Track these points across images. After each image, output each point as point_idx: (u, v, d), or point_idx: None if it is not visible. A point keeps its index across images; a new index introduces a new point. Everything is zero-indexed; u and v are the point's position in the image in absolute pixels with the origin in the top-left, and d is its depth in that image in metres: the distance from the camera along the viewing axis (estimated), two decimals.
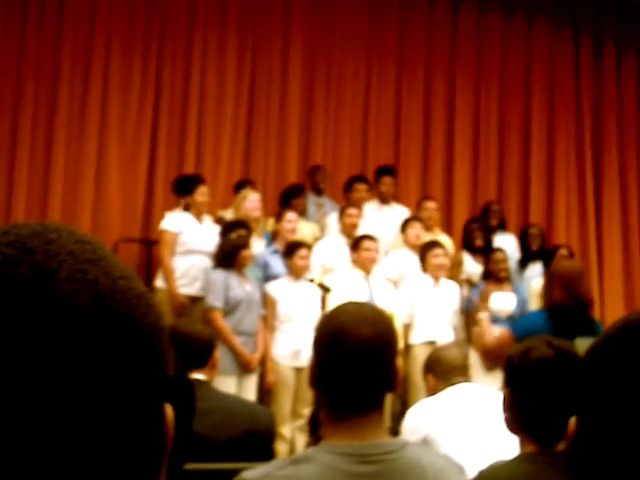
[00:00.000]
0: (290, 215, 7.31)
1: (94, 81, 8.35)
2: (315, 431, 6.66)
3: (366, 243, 6.97)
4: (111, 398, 0.66)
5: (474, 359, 6.70)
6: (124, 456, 0.67)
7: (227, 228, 6.80)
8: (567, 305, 4.47)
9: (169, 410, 0.75)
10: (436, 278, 7.05)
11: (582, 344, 3.55)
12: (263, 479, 1.82)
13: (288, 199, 7.92)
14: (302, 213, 7.86)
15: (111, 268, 0.70)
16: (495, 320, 6.95)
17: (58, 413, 0.63)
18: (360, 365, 1.93)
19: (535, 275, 7.79)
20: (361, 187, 8.24)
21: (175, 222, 7.08)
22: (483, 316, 6.81)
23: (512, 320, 6.88)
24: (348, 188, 8.27)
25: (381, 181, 8.47)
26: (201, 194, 7.22)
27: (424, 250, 7.18)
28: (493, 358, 6.34)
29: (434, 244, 7.24)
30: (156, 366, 0.71)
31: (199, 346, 3.38)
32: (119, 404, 0.66)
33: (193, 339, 3.38)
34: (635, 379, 0.85)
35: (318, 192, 8.49)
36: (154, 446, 0.72)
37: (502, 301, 7.11)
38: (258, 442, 3.17)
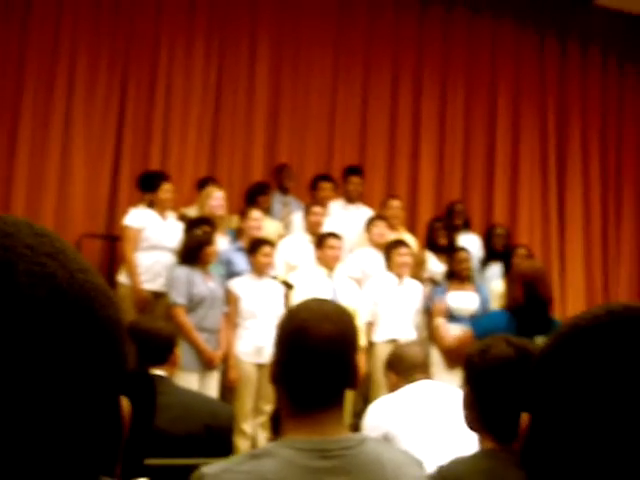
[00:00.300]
0: (255, 213, 7.29)
1: (59, 76, 8.27)
2: (277, 428, 6.67)
3: (330, 241, 6.98)
4: (67, 389, 0.66)
5: (435, 357, 6.75)
6: (78, 445, 0.68)
7: (191, 225, 6.78)
8: (527, 304, 4.50)
9: (125, 402, 0.76)
10: (400, 277, 7.08)
11: (541, 342, 3.58)
12: (223, 474, 1.82)
13: (253, 197, 7.91)
14: (267, 211, 7.85)
15: (69, 261, 0.70)
16: (457, 319, 7.01)
17: (12, 404, 0.63)
18: (321, 362, 1.94)
19: (496, 275, 7.86)
20: (326, 186, 8.27)
21: (138, 218, 7.05)
22: (440, 322, 6.89)
23: (474, 319, 6.94)
24: (313, 186, 8.29)
25: (348, 180, 8.49)
26: (165, 191, 7.20)
27: (389, 249, 7.21)
28: (455, 358, 6.39)
29: (399, 243, 7.26)
30: (113, 358, 0.71)
31: (160, 343, 3.37)
32: (75, 395, 0.66)
33: (154, 336, 3.37)
34: (582, 378, 0.87)
35: (284, 191, 8.50)
36: (109, 436, 0.72)
37: (462, 300, 7.15)
38: (217, 437, 3.17)
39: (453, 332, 6.90)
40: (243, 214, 7.40)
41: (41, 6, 8.24)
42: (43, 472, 0.65)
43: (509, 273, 5.01)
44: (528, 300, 4.50)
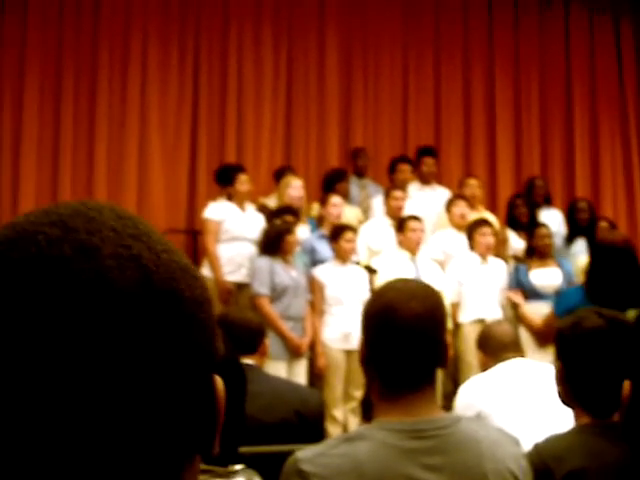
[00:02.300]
0: (335, 199, 7.30)
1: (132, 74, 8.39)
2: (367, 413, 6.68)
3: (412, 224, 6.94)
4: (160, 372, 0.66)
5: (524, 336, 6.66)
6: (177, 428, 0.68)
7: (274, 215, 6.83)
8: (606, 276, 4.39)
9: (219, 382, 0.76)
10: (484, 256, 7.00)
11: (634, 315, 3.50)
12: (318, 458, 1.82)
13: (331, 184, 7.89)
14: (345, 197, 7.83)
15: (154, 242, 0.70)
16: (541, 296, 6.89)
17: (109, 388, 0.64)
18: (410, 341, 1.92)
19: (581, 250, 7.71)
20: (405, 168, 8.21)
21: (217, 211, 7.11)
22: (523, 308, 6.78)
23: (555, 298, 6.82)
24: (392, 169, 8.24)
25: (422, 162, 8.43)
26: (242, 182, 7.24)
27: (471, 229, 7.12)
28: (544, 338, 6.30)
29: (482, 222, 7.17)
30: (203, 338, 0.71)
31: (249, 333, 3.41)
32: (168, 378, 0.67)
33: (243, 326, 3.41)
34: None
35: (360, 175, 8.48)
36: (206, 417, 0.73)
37: (545, 277, 7.05)
38: (309, 423, 3.19)
39: (537, 310, 6.77)
40: (322, 201, 7.41)
41: (110, 12, 8.36)
42: (141, 454, 0.66)
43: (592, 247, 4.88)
44: (608, 270, 4.39)
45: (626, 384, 0.92)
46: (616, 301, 3.92)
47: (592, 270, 4.41)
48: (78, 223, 0.68)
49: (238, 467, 1.87)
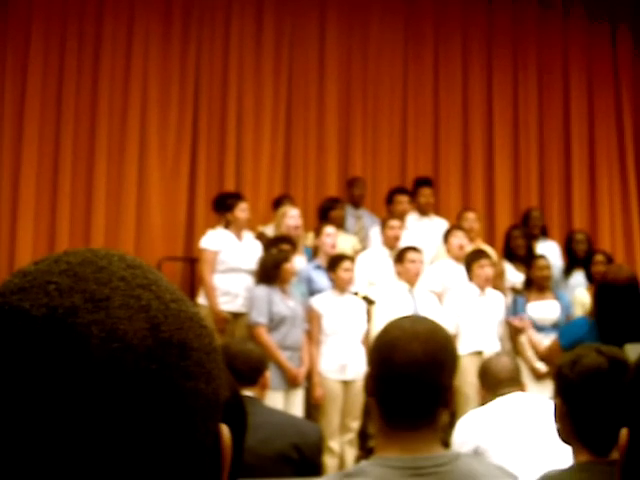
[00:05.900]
0: (329, 229, 7.28)
1: (132, 102, 8.40)
2: (364, 444, 6.64)
3: (411, 255, 6.91)
4: (167, 423, 0.66)
5: (522, 368, 6.64)
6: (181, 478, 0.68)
7: (270, 244, 6.82)
8: (611, 311, 4.39)
9: (225, 431, 0.75)
10: (482, 288, 6.97)
11: (632, 350, 3.50)
12: None
13: (326, 212, 7.90)
14: (340, 226, 7.81)
15: (162, 292, 0.70)
16: (539, 328, 6.87)
17: (116, 440, 0.63)
18: (407, 383, 1.92)
19: (579, 282, 7.69)
20: (403, 199, 8.19)
21: (214, 240, 7.07)
22: (529, 333, 6.68)
23: (557, 327, 6.79)
24: (389, 200, 8.22)
25: (419, 192, 8.42)
26: (241, 210, 7.22)
27: (470, 260, 7.07)
28: (547, 364, 6.26)
29: (480, 253, 7.12)
30: (211, 389, 0.71)
31: (250, 365, 3.40)
32: (174, 429, 0.66)
33: (245, 358, 3.40)
34: None
35: (356, 204, 8.47)
36: (211, 468, 0.72)
37: (543, 310, 7.03)
38: (307, 457, 3.18)
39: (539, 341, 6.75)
40: (317, 231, 7.40)
41: (111, 34, 8.38)
42: None
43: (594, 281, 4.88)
44: (612, 307, 4.39)
45: (623, 432, 0.92)
46: (624, 336, 3.92)
47: (598, 306, 4.41)
48: (88, 272, 0.68)
49: None
